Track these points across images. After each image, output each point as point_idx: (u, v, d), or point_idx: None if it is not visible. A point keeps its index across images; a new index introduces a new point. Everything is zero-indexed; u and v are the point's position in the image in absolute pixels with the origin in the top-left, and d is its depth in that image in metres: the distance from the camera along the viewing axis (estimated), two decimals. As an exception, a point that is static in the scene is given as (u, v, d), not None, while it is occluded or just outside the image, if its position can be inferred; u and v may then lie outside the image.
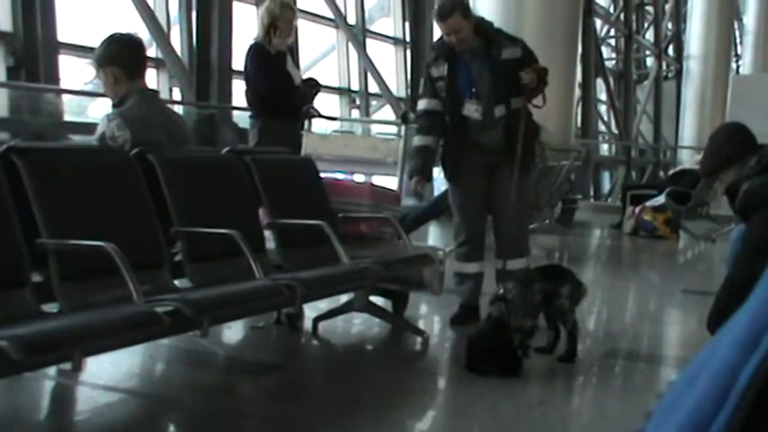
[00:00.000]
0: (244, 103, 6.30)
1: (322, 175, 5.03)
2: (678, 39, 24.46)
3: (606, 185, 21.14)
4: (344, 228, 4.58)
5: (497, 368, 3.94)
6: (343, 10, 12.96)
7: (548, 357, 4.28)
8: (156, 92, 4.21)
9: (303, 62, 11.68)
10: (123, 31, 4.16)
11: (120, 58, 3.99)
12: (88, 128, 6.86)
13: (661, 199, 10.68)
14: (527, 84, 4.82)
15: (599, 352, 4.67)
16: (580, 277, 4.45)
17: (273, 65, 5.85)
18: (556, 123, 10.20)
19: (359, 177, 7.65)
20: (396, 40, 14.58)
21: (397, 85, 14.37)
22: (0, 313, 2.92)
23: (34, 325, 2.70)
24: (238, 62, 9.32)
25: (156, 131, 3.97)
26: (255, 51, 5.90)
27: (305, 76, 6.41)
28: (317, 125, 7.04)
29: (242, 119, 8.89)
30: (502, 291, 4.15)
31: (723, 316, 1.92)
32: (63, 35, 8.36)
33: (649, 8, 24.08)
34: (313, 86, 6.23)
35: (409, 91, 14.02)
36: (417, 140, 5.08)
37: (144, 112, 3.96)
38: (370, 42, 13.88)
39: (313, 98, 6.28)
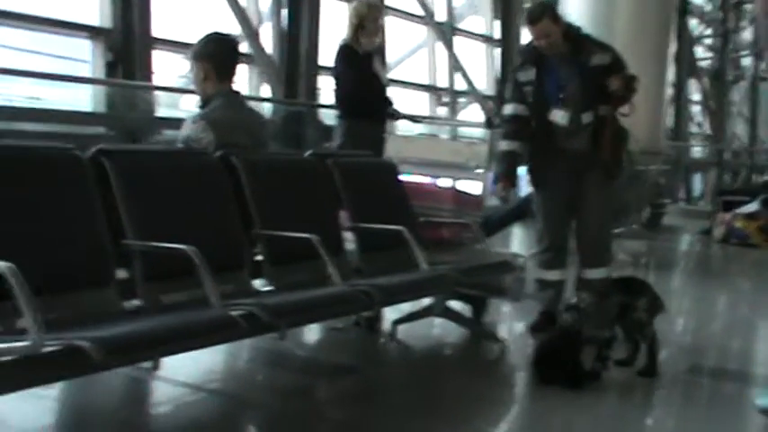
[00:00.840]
0: (330, 101, 6.33)
1: (405, 178, 5.02)
2: (777, 39, 23.69)
3: (698, 188, 20.63)
4: (425, 232, 4.56)
5: (562, 378, 3.88)
6: (432, 7, 12.91)
7: (627, 371, 4.19)
8: (240, 93, 4.26)
9: (391, 59, 11.69)
10: (224, 32, 4.24)
11: (214, 56, 4.06)
12: (179, 123, 6.98)
13: (755, 205, 10.37)
14: (615, 91, 4.73)
15: (683, 367, 4.55)
16: (665, 286, 4.34)
17: (361, 66, 5.87)
18: (646, 125, 9.98)
19: (444, 181, 7.62)
20: (485, 38, 14.48)
21: (486, 84, 14.27)
22: (84, 311, 2.99)
23: (115, 326, 2.75)
24: (325, 59, 9.39)
25: (239, 134, 4.01)
26: (344, 52, 5.92)
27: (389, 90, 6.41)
28: (402, 126, 7.04)
29: (328, 116, 8.94)
30: (575, 300, 4.09)
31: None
32: (157, 31, 8.53)
33: (748, 6, 23.40)
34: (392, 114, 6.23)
35: (497, 89, 13.91)
36: (503, 145, 5.03)
37: (228, 114, 4.01)
38: (459, 40, 13.81)
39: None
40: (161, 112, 8.86)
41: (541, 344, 4.04)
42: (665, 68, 11.25)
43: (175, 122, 8.11)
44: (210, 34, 4.17)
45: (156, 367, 3.42)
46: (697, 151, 21.41)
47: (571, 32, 4.89)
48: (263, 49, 9.43)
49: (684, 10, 16.53)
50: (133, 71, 8.16)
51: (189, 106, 8.19)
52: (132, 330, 2.74)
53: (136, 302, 3.28)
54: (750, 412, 3.80)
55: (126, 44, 8.13)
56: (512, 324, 5.53)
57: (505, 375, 4.50)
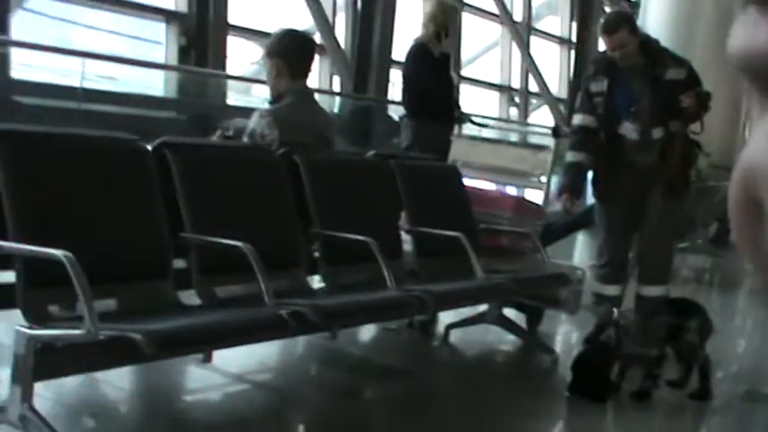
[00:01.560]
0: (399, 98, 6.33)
1: (468, 182, 5.00)
2: None
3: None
4: (484, 239, 4.53)
5: (593, 391, 3.85)
6: (509, 6, 12.83)
7: (679, 393, 4.12)
8: (312, 93, 4.28)
9: (464, 56, 11.64)
10: (299, 28, 4.26)
11: (288, 53, 4.07)
12: (250, 112, 7.05)
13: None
14: (686, 108, 4.64)
15: (738, 391, 4.46)
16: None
17: (437, 67, 5.84)
18: (720, 139, 9.78)
19: (507, 188, 7.57)
20: (561, 40, 14.34)
21: (559, 86, 14.14)
22: (141, 301, 3.04)
23: (168, 319, 2.79)
24: (399, 53, 9.38)
25: (305, 134, 4.03)
26: (419, 52, 5.89)
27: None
28: (468, 127, 7.01)
29: (397, 112, 8.94)
30: (616, 316, 4.04)
31: None
32: (233, 17, 8.62)
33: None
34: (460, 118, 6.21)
35: (569, 92, 13.76)
36: (570, 156, 4.97)
37: (297, 114, 4.03)
38: (534, 40, 13.71)
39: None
40: (232, 98, 8.97)
41: (578, 356, 4.02)
42: (743, 83, 11.02)
43: (246, 111, 8.22)
44: (286, 30, 4.19)
45: (207, 359, 3.49)
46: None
47: (647, 44, 4.81)
48: (336, 41, 9.47)
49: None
50: (206, 56, 8.26)
51: (260, 92, 8.28)
52: (182, 325, 2.78)
53: (190, 293, 3.33)
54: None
55: (200, 29, 8.23)
56: (566, 336, 5.48)
57: (555, 388, 4.43)
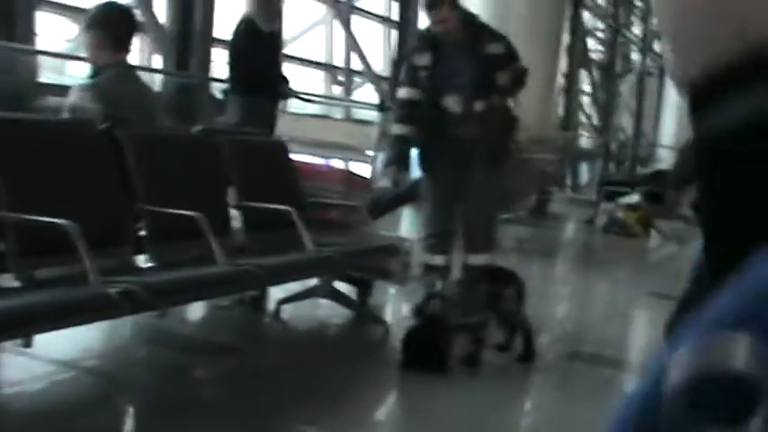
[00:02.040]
0: (222, 75, 6.22)
1: (295, 157, 4.99)
2: (665, 35, 24.43)
3: (585, 177, 21.17)
4: (314, 213, 4.54)
5: (429, 365, 3.94)
6: (330, -15, 12.85)
7: (506, 357, 4.27)
8: (134, 67, 4.16)
9: (287, 35, 11.57)
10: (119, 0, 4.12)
11: (109, 25, 3.95)
12: (66, 90, 6.76)
13: (636, 197, 10.71)
14: (502, 86, 4.80)
15: (561, 353, 4.67)
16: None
17: (265, 43, 5.78)
18: (536, 114, 10.17)
19: (335, 162, 7.61)
20: (383, 19, 14.48)
21: (382, 64, 14.29)
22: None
23: (-16, 302, 2.65)
24: (219, 31, 9.22)
25: (127, 108, 3.91)
26: (247, 27, 5.80)
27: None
28: (294, 104, 6.99)
29: (219, 89, 8.79)
30: (439, 288, 4.16)
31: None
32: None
33: (638, 2, 24.08)
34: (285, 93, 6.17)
35: (392, 71, 13.94)
36: (396, 129, 5.04)
37: (118, 87, 3.90)
38: (356, 19, 13.78)
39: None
40: (45, 77, 8.55)
41: (408, 331, 4.08)
42: (557, 59, 11.49)
43: (61, 89, 7.86)
44: (106, 2, 4.04)
45: (27, 344, 3.32)
46: (585, 142, 21.96)
47: (468, 20, 4.93)
48: (155, 18, 9.21)
49: (578, 2, 16.88)
50: (14, 33, 7.84)
51: (76, 71, 7.95)
52: (4, 306, 2.64)
53: (8, 277, 3.17)
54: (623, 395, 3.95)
55: (5, 4, 7.80)
56: (396, 307, 5.57)
57: (386, 358, 4.50)
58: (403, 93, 5.02)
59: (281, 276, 3.88)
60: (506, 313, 4.24)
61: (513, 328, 4.31)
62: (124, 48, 4.01)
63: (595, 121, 21.46)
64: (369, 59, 13.44)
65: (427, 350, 3.98)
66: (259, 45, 5.76)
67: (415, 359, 3.96)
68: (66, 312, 2.79)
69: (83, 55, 4.21)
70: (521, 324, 4.26)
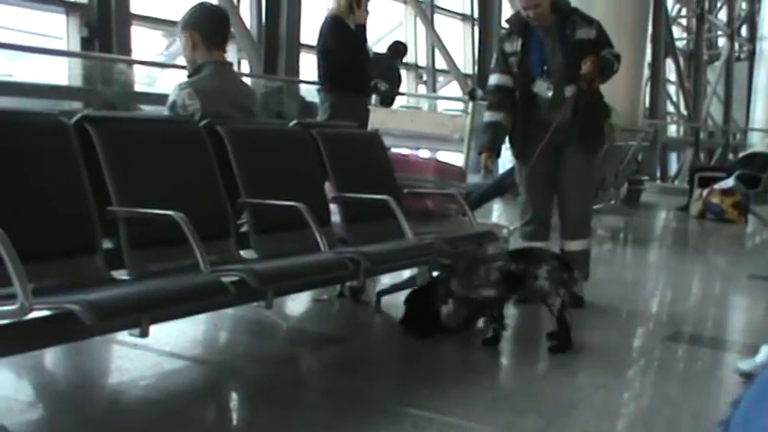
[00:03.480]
0: (311, 77, 6.31)
1: (388, 149, 5.02)
2: (752, 19, 23.85)
3: (674, 167, 20.77)
4: (409, 203, 4.56)
5: (416, 327, 4.12)
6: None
7: (604, 342, 4.21)
8: (231, 64, 4.25)
9: (370, 37, 11.65)
10: (213, 1, 4.21)
11: (202, 24, 4.04)
12: (158, 98, 6.92)
13: (730, 182, 10.46)
14: (585, 74, 4.74)
15: (661, 335, 4.60)
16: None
17: (354, 38, 5.82)
18: (624, 103, 10.02)
19: (424, 153, 7.62)
20: (464, 17, 14.46)
21: (465, 62, 14.27)
22: (72, 279, 2.97)
23: (104, 291, 2.74)
24: (306, 36, 9.34)
25: (226, 104, 3.99)
26: (335, 23, 5.86)
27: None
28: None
29: (308, 93, 8.90)
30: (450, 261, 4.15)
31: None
32: (135, 6, 8.45)
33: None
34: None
35: (476, 68, 13.90)
36: (487, 116, 5.04)
37: (216, 84, 3.99)
38: (438, 18, 13.79)
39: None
40: (139, 88, 8.80)
41: (409, 294, 4.26)
42: (643, 47, 11.31)
43: (154, 97, 8.05)
44: (199, 3, 4.15)
45: (145, 334, 3.41)
46: (673, 131, 21.53)
47: (559, 5, 4.89)
48: (242, 23, 9.38)
49: (661, -10, 16.60)
50: (110, 47, 8.07)
51: (166, 84, 8.14)
52: (122, 294, 2.73)
53: (123, 273, 3.26)
54: (726, 375, 3.91)
55: (102, 19, 8.03)
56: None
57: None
58: (494, 79, 5.01)
59: (384, 263, 3.89)
60: (538, 292, 4.05)
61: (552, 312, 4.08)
62: (219, 45, 4.09)
63: (683, 109, 21.03)
64: (453, 57, 13.44)
65: (420, 314, 4.13)
66: (347, 41, 5.81)
67: (408, 319, 4.17)
68: (180, 300, 2.86)
69: (176, 62, 4.31)
70: (556, 308, 4.01)
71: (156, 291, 2.81)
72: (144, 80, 9.40)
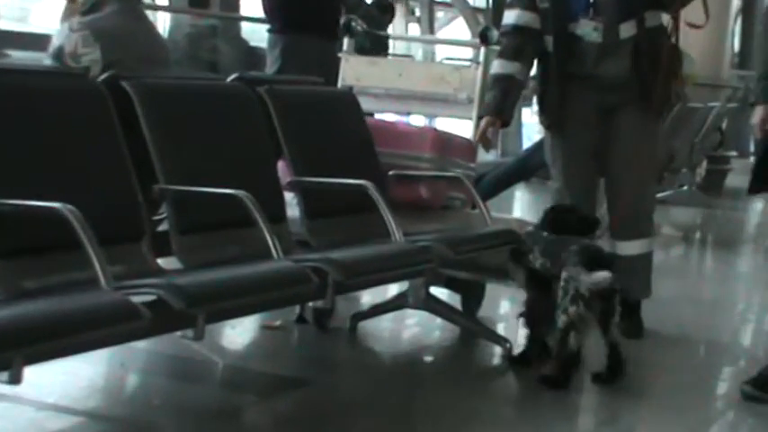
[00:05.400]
0: (256, 13, 6.31)
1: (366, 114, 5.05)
2: None
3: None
4: (397, 191, 4.58)
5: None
6: None
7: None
8: (139, 1, 4.27)
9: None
10: None
11: None
12: (33, 40, 6.91)
13: None
14: None
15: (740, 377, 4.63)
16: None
17: None
18: (704, 48, 10.09)
19: (418, 120, 7.62)
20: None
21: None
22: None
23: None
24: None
25: (134, 53, 3.99)
26: None
27: None
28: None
29: (253, 35, 8.92)
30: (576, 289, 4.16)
31: None
32: None
33: None
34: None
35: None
36: (497, 66, 5.02)
37: (121, 25, 3.99)
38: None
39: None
40: (4, 25, 8.80)
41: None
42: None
43: (27, 38, 8.07)
44: None
45: (15, 380, 3.40)
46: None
47: None
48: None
49: None
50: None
51: (45, 21, 8.13)
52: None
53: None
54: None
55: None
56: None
57: (508, 388, 4.55)
58: (512, 17, 4.99)
59: (362, 275, 3.86)
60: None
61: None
62: None
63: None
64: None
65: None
66: None
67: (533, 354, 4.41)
68: (68, 331, 2.79)
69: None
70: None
71: (33, 318, 2.79)
72: (12, 14, 9.39)
